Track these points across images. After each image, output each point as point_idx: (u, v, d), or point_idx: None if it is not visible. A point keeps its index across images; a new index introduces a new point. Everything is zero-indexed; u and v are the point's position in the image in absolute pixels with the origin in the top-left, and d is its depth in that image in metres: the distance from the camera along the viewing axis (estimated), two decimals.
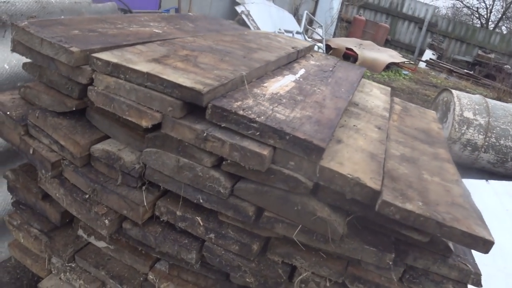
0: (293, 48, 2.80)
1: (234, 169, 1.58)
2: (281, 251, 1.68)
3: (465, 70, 15.02)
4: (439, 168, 1.90)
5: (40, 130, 1.87)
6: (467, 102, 5.51)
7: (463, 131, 5.35)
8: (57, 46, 1.68)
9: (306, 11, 9.66)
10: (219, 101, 1.57)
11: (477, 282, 1.58)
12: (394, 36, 17.23)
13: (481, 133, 5.35)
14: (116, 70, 1.63)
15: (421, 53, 16.46)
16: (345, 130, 1.93)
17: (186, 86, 1.53)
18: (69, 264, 2.15)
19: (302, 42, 3.23)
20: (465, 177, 5.31)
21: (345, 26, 15.18)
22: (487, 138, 5.35)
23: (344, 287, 1.68)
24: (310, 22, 12.59)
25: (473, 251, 1.65)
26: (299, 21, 10.29)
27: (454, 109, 5.41)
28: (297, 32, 8.85)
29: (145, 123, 1.61)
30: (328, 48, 11.40)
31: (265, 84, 1.98)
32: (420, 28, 16.84)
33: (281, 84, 2.06)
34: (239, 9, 8.29)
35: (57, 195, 1.93)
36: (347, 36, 14.22)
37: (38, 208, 2.13)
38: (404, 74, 11.32)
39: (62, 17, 2.61)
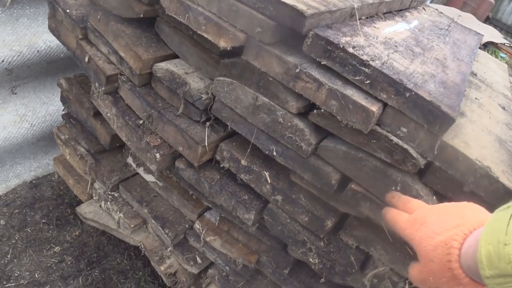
0: None
1: (325, 122, 1.22)
2: (359, 234, 1.34)
3: None
4: None
5: (99, 35, 1.58)
6: None
7: None
8: None
9: None
10: (324, 31, 1.20)
11: None
12: (496, 15, 15.77)
13: None
14: None
15: None
16: (467, 102, 1.51)
17: (286, 2, 1.16)
18: (112, 193, 1.92)
19: None
20: None
21: None
22: None
23: None
24: None
25: None
26: None
27: None
28: None
29: (223, 44, 1.27)
30: None
31: (376, 25, 1.58)
32: None
33: (395, 29, 1.65)
34: None
35: (108, 114, 1.66)
36: (446, 4, 13.10)
37: (88, 125, 1.88)
38: (501, 56, 10.31)
39: None
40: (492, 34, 10.50)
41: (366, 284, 1.38)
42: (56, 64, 2.30)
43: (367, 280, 1.37)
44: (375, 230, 1.32)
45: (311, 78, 1.16)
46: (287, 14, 1.17)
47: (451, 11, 11.11)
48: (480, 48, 9.08)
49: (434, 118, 1.07)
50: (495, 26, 15.42)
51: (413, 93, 1.08)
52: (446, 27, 2.35)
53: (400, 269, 1.31)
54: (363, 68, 1.12)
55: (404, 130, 1.13)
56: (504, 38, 12.32)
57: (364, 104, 1.10)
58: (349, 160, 1.23)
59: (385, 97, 1.12)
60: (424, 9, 2.68)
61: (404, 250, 1.30)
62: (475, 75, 1.99)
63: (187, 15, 1.33)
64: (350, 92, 1.13)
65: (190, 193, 1.74)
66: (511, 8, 15.68)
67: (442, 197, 1.20)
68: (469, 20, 10.82)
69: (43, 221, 2.29)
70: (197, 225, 1.74)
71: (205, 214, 1.76)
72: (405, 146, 1.13)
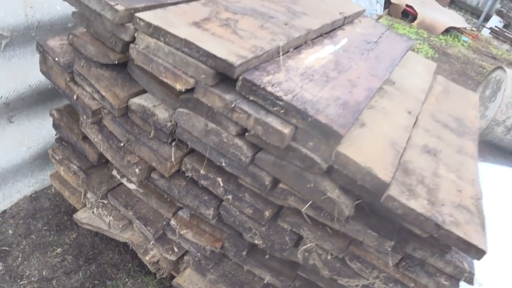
0: (340, 13, 2.78)
1: (256, 140, 1.66)
2: (291, 220, 1.79)
3: None
4: (460, 164, 1.92)
5: (84, 78, 2.00)
6: None
7: (509, 114, 5.19)
8: (104, 2, 1.76)
9: None
10: (251, 74, 1.63)
11: (470, 280, 1.63)
12: None
13: None
14: (156, 32, 1.71)
15: (487, 18, 15.52)
16: (373, 112, 1.96)
17: (220, 57, 1.60)
18: (102, 201, 2.34)
19: (353, 6, 3.17)
20: (503, 162, 5.21)
21: None
22: None
23: (343, 262, 1.78)
24: None
25: None
26: None
27: (504, 90, 5.23)
28: None
29: (179, 87, 1.70)
30: (388, 2, 10.99)
31: (301, 56, 2.01)
32: None
33: (318, 56, 2.09)
34: None
35: (95, 139, 2.08)
36: None
37: (78, 147, 2.29)
38: (464, 40, 10.83)
39: None
40: (453, 19, 11.01)
41: (299, 257, 1.83)
42: (45, 94, 2.70)
43: (299, 253, 1.82)
44: (303, 216, 1.77)
45: (242, 111, 1.59)
46: (222, 65, 1.60)
47: None
48: (442, 33, 9.52)
49: (329, 135, 1.52)
50: (460, 8, 15.96)
51: (313, 118, 1.52)
52: (376, 40, 2.78)
53: (323, 244, 1.77)
54: (278, 101, 1.56)
55: (311, 144, 1.58)
56: (466, 21, 12.88)
57: (280, 128, 1.54)
58: (276, 167, 1.67)
59: (295, 121, 1.56)
60: (360, 21, 3.12)
61: (324, 229, 1.75)
62: (394, 83, 2.43)
63: (151, 65, 1.76)
64: (270, 119, 1.57)
65: (165, 197, 2.17)
66: None
67: (347, 191, 1.65)
68: (432, 6, 11.33)
69: (45, 228, 2.69)
70: (172, 222, 2.17)
71: (178, 212, 2.19)
72: (312, 155, 1.58)
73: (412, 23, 10.56)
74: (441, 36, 10.31)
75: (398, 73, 2.63)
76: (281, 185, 1.71)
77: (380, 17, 7.20)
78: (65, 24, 2.66)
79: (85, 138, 2.23)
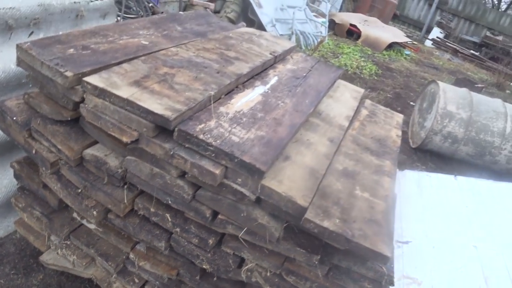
0: (271, 53, 3.11)
1: (194, 180, 1.95)
2: (232, 245, 2.07)
3: (471, 51, 15.08)
4: (375, 183, 2.25)
5: (41, 134, 2.24)
6: (452, 96, 5.78)
7: (445, 123, 5.64)
8: (54, 69, 2.03)
9: None
10: (185, 124, 1.92)
11: (390, 281, 1.94)
12: (403, 12, 17.18)
13: (462, 127, 5.65)
14: (102, 93, 1.98)
15: (429, 30, 16.45)
16: (297, 145, 2.28)
17: (158, 113, 1.88)
18: (65, 242, 2.56)
19: (284, 43, 3.52)
20: (443, 167, 5.65)
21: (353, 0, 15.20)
22: (468, 132, 5.65)
23: (280, 277, 2.07)
24: None
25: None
26: None
27: (438, 102, 5.69)
28: (299, 9, 9.04)
29: (125, 139, 1.97)
30: (332, 23, 11.55)
31: (232, 100, 2.32)
32: (430, 5, 16.75)
33: (248, 99, 2.40)
34: None
35: (55, 188, 2.32)
36: (354, 10, 14.27)
37: (40, 194, 2.52)
38: (406, 54, 11.45)
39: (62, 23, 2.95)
40: (395, 35, 11.67)
41: (243, 276, 2.11)
42: (5, 146, 2.92)
43: (243, 273, 2.10)
44: (241, 241, 2.05)
45: (180, 157, 1.88)
46: (159, 119, 1.89)
47: (358, 17, 12.24)
48: (386, 49, 10.08)
49: (253, 172, 1.82)
50: (404, 22, 16.85)
51: (239, 159, 1.82)
52: (305, 74, 3.12)
53: (261, 263, 2.06)
54: (209, 147, 1.85)
55: (240, 180, 1.88)
56: (408, 35, 13.63)
57: (212, 169, 1.83)
58: (214, 201, 1.96)
59: (224, 162, 1.86)
60: (291, 57, 3.46)
61: (262, 250, 2.04)
62: (320, 114, 2.77)
63: (99, 121, 2.02)
64: (204, 162, 1.86)
65: (123, 233, 2.41)
66: (415, 4, 17.11)
67: (275, 216, 1.95)
68: (374, 23, 11.97)
69: (12, 272, 2.88)
70: (131, 255, 2.42)
71: (136, 246, 2.44)
72: (242, 189, 1.88)
73: (357, 41, 11.14)
74: (384, 52, 10.90)
75: (325, 103, 2.97)
76: (220, 216, 1.99)
77: (319, 43, 7.62)
78: (20, 80, 2.89)
79: (45, 186, 2.46)
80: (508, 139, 5.72)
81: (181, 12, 3.44)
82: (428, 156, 6.01)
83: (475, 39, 16.53)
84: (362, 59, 9.60)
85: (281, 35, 8.38)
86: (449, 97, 5.75)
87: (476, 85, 9.84)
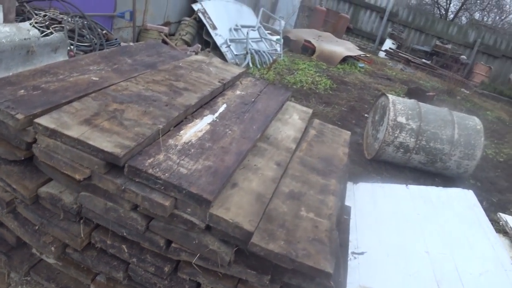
0: (220, 81, 3.26)
1: (147, 212, 2.05)
2: (188, 271, 2.18)
3: (423, 60, 15.68)
4: (320, 203, 2.40)
5: None
6: (401, 108, 6.05)
7: (396, 134, 5.89)
8: (5, 112, 2.11)
9: (262, 8, 10.04)
10: (134, 160, 2.03)
11: None
12: (356, 25, 17.72)
13: (413, 137, 5.91)
14: (53, 134, 2.07)
15: (382, 42, 17.04)
16: (245, 171, 2.41)
17: (107, 151, 1.99)
18: (25, 278, 2.61)
19: (234, 70, 3.68)
20: (397, 176, 5.89)
21: (307, 15, 15.59)
22: (418, 141, 5.92)
23: None
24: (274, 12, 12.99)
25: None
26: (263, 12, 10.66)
27: (388, 114, 5.95)
28: (252, 29, 9.26)
29: (78, 177, 2.06)
30: (287, 39, 11.83)
31: (181, 132, 2.44)
32: (382, 18, 17.37)
33: (196, 129, 2.52)
34: (195, 7, 8.62)
35: (12, 226, 2.38)
36: (308, 26, 14.64)
37: None
38: (360, 66, 11.83)
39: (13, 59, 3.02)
40: (348, 48, 12.03)
41: None
42: None
43: None
44: (197, 267, 2.16)
45: (131, 191, 1.99)
46: (110, 157, 1.99)
47: (312, 33, 12.58)
48: (340, 62, 10.38)
49: (201, 202, 1.94)
50: (357, 35, 17.38)
51: (187, 190, 1.94)
52: (253, 99, 3.28)
53: (216, 286, 2.17)
54: (158, 180, 1.97)
55: (189, 210, 2.00)
56: (361, 47, 14.09)
57: (162, 202, 1.94)
58: (167, 231, 2.07)
59: (173, 194, 1.97)
60: (241, 82, 3.62)
61: (216, 274, 2.15)
62: (268, 138, 2.92)
63: (52, 160, 2.11)
64: (154, 195, 1.97)
65: (82, 266, 2.48)
66: (368, 17, 17.68)
67: (225, 242, 2.07)
68: (328, 38, 12.32)
69: None
70: (92, 287, 2.49)
71: (96, 277, 2.51)
72: (191, 218, 2.00)
73: (312, 57, 11.43)
74: (339, 66, 11.23)
75: (274, 127, 3.13)
76: (173, 244, 2.10)
77: (273, 62, 7.83)
78: None
79: (2, 224, 2.51)
80: (457, 146, 6.02)
81: (131, 44, 3.55)
82: (382, 166, 6.24)
83: (426, 48, 17.19)
84: (317, 74, 9.86)
85: (236, 55, 8.57)
86: (399, 109, 6.01)
87: (428, 93, 10.26)
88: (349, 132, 3.71)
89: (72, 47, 5.22)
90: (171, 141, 2.31)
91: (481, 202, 5.76)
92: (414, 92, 10.20)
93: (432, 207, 4.56)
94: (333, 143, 3.31)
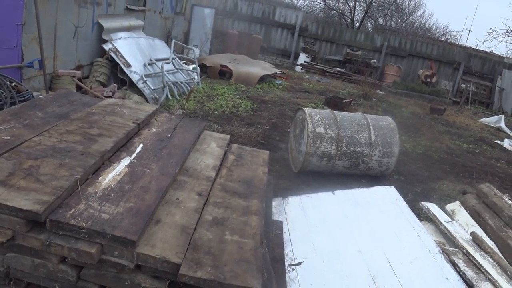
0: (134, 122, 3.35)
1: (76, 262, 2.11)
2: None
3: (337, 69, 16.50)
4: (243, 224, 2.55)
5: None
6: (318, 119, 6.37)
7: (317, 144, 6.19)
8: None
9: (173, 40, 10.19)
10: (55, 213, 2.09)
11: None
12: (270, 43, 18.31)
13: (333, 144, 6.24)
14: None
15: (296, 56, 17.74)
16: (167, 206, 2.52)
17: (27, 209, 2.03)
18: None
19: (147, 108, 3.78)
20: (325, 184, 6.19)
21: (221, 40, 15.92)
22: (339, 148, 6.25)
23: None
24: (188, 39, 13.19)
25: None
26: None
27: (307, 127, 6.24)
28: (167, 62, 9.37)
29: (0, 239, 2.08)
30: (204, 66, 12.04)
31: (99, 179, 2.51)
32: (293, 34, 18.09)
33: (115, 173, 2.60)
34: (106, 47, 8.61)
35: None
36: (223, 51, 14.96)
37: None
38: (278, 84, 12.24)
39: None
40: (264, 68, 12.43)
41: None
42: None
43: None
44: None
45: (56, 244, 2.04)
46: (30, 215, 2.04)
47: (228, 57, 12.87)
48: (258, 82, 10.66)
49: (126, 243, 2.03)
50: (272, 53, 17.98)
51: (110, 234, 2.02)
52: (169, 134, 3.39)
53: None
54: (81, 230, 2.03)
55: (116, 253, 2.08)
56: (277, 64, 14.59)
57: (88, 250, 2.01)
58: (98, 277, 2.13)
59: (99, 240, 2.05)
60: (156, 120, 3.72)
61: None
62: (187, 170, 3.04)
63: None
64: (80, 245, 2.04)
65: None
66: (280, 35, 18.35)
67: (157, 277, 2.16)
68: (243, 60, 12.66)
69: None
70: None
71: None
72: (120, 261, 2.08)
73: (230, 80, 11.70)
74: (257, 86, 11.57)
75: (192, 158, 3.25)
76: None
77: (190, 92, 7.98)
78: None
79: None
80: (375, 146, 6.42)
81: (40, 96, 3.57)
82: (310, 176, 6.50)
83: (338, 57, 18.11)
84: (237, 97, 10.11)
85: (154, 89, 8.63)
86: (316, 120, 6.33)
87: (344, 100, 10.80)
88: (267, 152, 3.90)
89: None
90: (90, 189, 2.38)
91: (406, 194, 6.20)
92: (332, 101, 10.69)
93: (358, 208, 4.85)
94: (252, 164, 3.48)
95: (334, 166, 6.44)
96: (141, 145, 3.10)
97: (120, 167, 2.69)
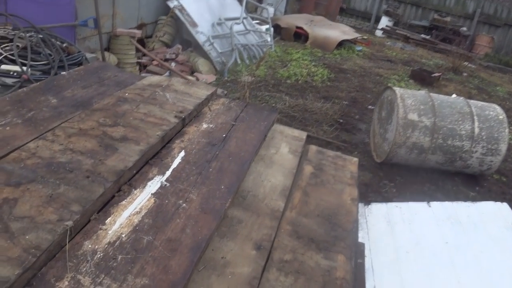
0: (177, 116, 2.43)
1: None
2: None
3: (422, 36, 14.79)
4: None
5: None
6: (412, 103, 5.22)
7: (408, 134, 5.09)
8: None
9: None
10: None
11: None
12: (349, 4, 16.75)
13: (427, 135, 5.11)
14: None
15: (378, 20, 16.09)
16: (205, 275, 1.60)
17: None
18: None
19: (199, 92, 2.84)
20: (413, 181, 5.09)
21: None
22: (434, 140, 5.11)
23: None
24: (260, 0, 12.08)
25: None
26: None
27: (397, 112, 5.14)
28: (237, 22, 8.37)
29: None
30: (278, 28, 10.95)
31: (106, 221, 1.63)
32: None
33: (132, 210, 1.71)
34: (171, 4, 7.74)
35: None
36: (300, 10, 13.69)
37: None
38: (358, 50, 10.92)
39: None
40: (344, 32, 11.14)
41: None
42: None
43: None
44: None
45: None
46: None
47: (304, 18, 11.67)
48: (336, 47, 9.49)
49: None
50: (351, 15, 16.47)
51: None
52: (224, 135, 2.45)
53: None
54: None
55: None
56: (357, 29, 13.16)
57: None
58: None
59: None
60: (210, 108, 2.78)
61: None
62: (244, 198, 2.10)
63: None
64: None
65: None
66: None
67: None
68: (321, 22, 11.42)
69: None
70: None
71: None
72: None
73: (305, 44, 10.54)
74: (335, 52, 10.34)
75: (253, 174, 2.31)
76: None
77: (261, 60, 6.97)
78: None
79: None
80: (478, 141, 5.21)
81: (63, 73, 2.73)
82: (395, 169, 5.44)
83: (424, 23, 16.23)
84: (313, 63, 8.99)
85: (221, 52, 7.72)
86: (409, 104, 5.18)
87: (433, 75, 9.40)
88: (356, 159, 2.90)
89: (25, 68, 4.41)
90: (87, 245, 1.50)
91: (509, 200, 5.00)
92: (418, 74, 9.33)
93: (462, 231, 3.73)
94: (337, 182, 2.49)
95: (425, 160, 5.28)
96: (182, 153, 2.18)
97: (143, 198, 1.80)
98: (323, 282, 1.73)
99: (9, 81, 3.91)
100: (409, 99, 5.30)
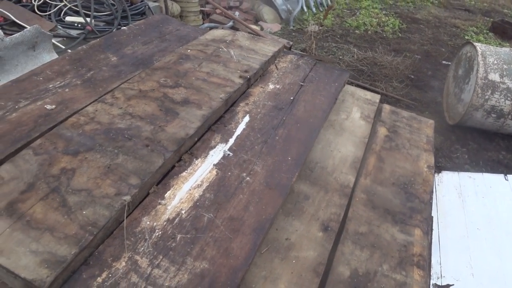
0: (242, 76, 2.28)
1: None
2: None
3: None
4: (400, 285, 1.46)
5: None
6: (494, 61, 4.77)
7: (486, 96, 4.68)
8: None
9: None
10: (75, 281, 1.18)
11: None
12: None
13: (509, 99, 4.68)
14: None
15: None
16: (268, 258, 1.49)
17: (25, 277, 1.14)
18: None
19: (266, 49, 2.65)
20: (488, 148, 4.74)
21: None
22: None
23: None
24: None
25: None
26: None
27: (477, 71, 4.71)
28: None
29: None
30: None
31: (166, 195, 1.54)
32: None
33: (193, 183, 1.61)
34: None
35: None
36: None
37: None
38: None
39: None
40: None
41: None
42: None
43: None
44: None
45: None
46: (30, 285, 1.15)
47: None
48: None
49: None
50: None
51: None
52: (292, 97, 2.29)
53: None
54: None
55: None
56: None
57: None
58: None
59: None
60: (277, 66, 2.61)
61: None
62: (312, 170, 1.96)
63: None
64: None
65: None
66: None
67: None
68: None
69: None
70: None
71: None
72: None
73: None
74: None
75: (322, 143, 2.15)
76: None
77: (328, 9, 6.57)
78: None
79: None
80: None
81: (124, 28, 2.62)
82: (468, 134, 5.08)
83: None
84: (383, 12, 8.47)
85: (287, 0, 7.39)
86: (490, 63, 4.73)
87: None
88: (432, 121, 2.66)
89: (89, 19, 4.38)
90: (145, 222, 1.43)
91: None
92: (500, 27, 8.53)
93: None
94: (412, 147, 2.29)
95: (503, 125, 4.85)
96: (247, 118, 2.05)
97: (204, 170, 1.69)
98: (399, 258, 1.59)
99: (73, 32, 3.89)
100: (491, 57, 4.84)
